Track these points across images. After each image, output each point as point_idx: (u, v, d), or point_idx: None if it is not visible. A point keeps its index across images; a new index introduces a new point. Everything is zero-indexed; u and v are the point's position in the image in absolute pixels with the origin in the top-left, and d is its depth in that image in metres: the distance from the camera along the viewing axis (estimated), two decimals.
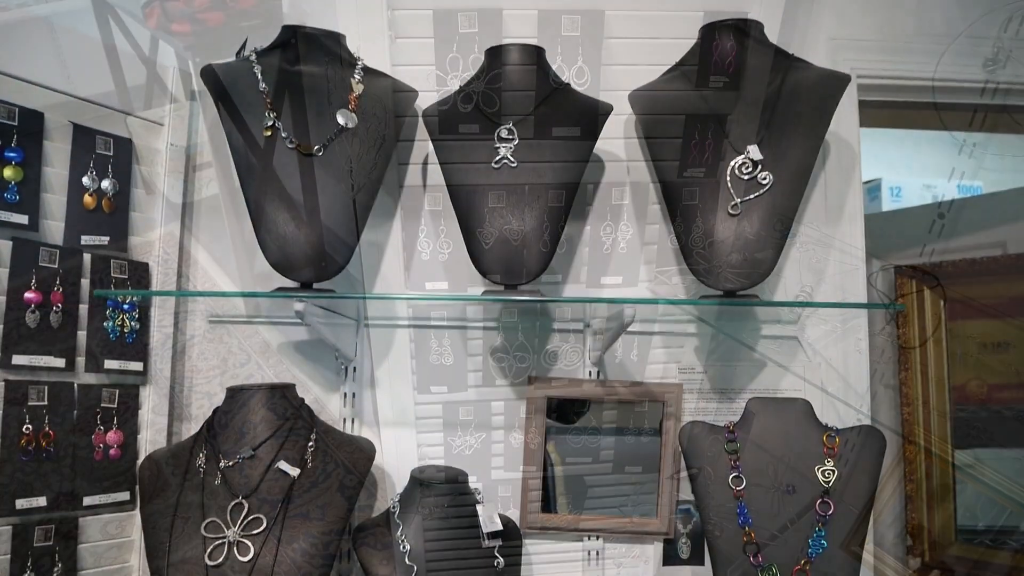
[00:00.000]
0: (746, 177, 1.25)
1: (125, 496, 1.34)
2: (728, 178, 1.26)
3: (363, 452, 1.32)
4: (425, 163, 1.50)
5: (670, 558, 1.47)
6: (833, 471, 1.31)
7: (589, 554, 1.45)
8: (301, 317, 1.17)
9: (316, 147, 1.27)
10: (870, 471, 1.32)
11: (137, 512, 1.32)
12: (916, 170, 3.79)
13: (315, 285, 1.24)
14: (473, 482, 1.36)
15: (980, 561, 2.16)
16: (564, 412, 1.47)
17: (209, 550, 1.17)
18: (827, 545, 1.28)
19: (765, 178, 1.24)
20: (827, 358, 1.51)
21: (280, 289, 1.26)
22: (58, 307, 1.26)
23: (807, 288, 1.46)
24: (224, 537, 1.18)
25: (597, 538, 1.45)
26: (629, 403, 1.47)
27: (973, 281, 2.16)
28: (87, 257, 1.31)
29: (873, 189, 3.45)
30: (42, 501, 1.23)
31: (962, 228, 2.15)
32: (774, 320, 1.50)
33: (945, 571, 2.24)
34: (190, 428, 1.41)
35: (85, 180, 1.31)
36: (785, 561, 1.28)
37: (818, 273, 1.53)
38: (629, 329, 1.34)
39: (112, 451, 1.32)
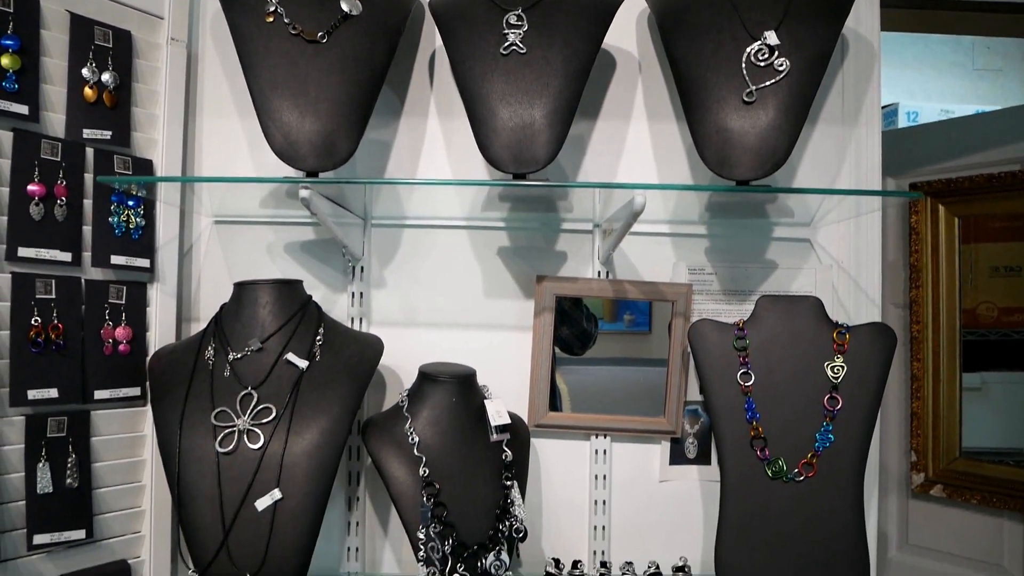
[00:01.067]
0: (762, 64, 1.21)
1: (136, 392, 1.34)
2: (744, 65, 1.22)
3: (371, 347, 1.32)
4: (432, 60, 1.46)
5: (677, 457, 1.48)
6: (843, 367, 1.31)
7: (596, 453, 1.45)
8: (307, 204, 1.16)
9: (319, 34, 1.23)
10: (880, 367, 1.31)
11: (148, 408, 1.33)
12: (933, 95, 3.71)
13: (321, 176, 1.22)
14: (481, 380, 1.36)
15: (983, 476, 2.18)
16: (569, 346, 1.46)
17: (220, 438, 1.18)
18: (834, 439, 1.29)
19: (782, 64, 1.20)
20: (839, 261, 1.49)
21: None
22: (62, 200, 1.24)
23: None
24: (234, 426, 1.19)
25: (604, 436, 1.45)
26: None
27: (988, 198, 2.12)
28: (90, 152, 1.29)
29: (890, 113, 3.39)
30: (54, 393, 1.24)
31: (979, 144, 2.10)
32: (787, 220, 1.47)
33: (948, 486, 2.27)
34: (199, 327, 1.41)
35: (85, 72, 1.28)
36: (792, 455, 1.29)
37: (832, 176, 1.50)
38: (638, 229, 1.33)
39: (121, 347, 1.32)
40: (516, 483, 1.28)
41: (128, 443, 1.34)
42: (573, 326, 1.46)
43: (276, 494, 1.16)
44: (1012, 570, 2.11)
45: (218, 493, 1.16)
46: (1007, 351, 2.29)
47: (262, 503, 1.16)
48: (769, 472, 1.28)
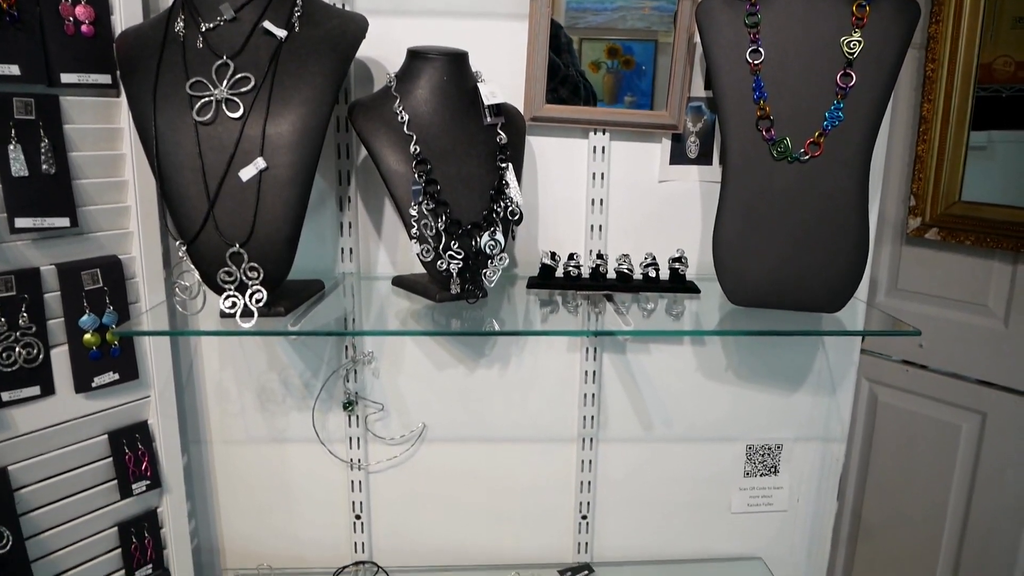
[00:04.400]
0: None
1: (106, 79, 1.26)
2: None
3: (354, 22, 1.22)
4: None
5: (677, 157, 1.43)
6: (859, 42, 1.22)
7: (595, 150, 1.40)
8: None
9: None
10: (899, 42, 1.22)
11: (123, 99, 1.25)
12: None
13: None
14: (474, 67, 1.28)
15: (980, 218, 2.16)
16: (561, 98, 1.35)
17: (196, 107, 1.12)
18: (844, 118, 1.23)
19: None
20: None
21: None
22: None
23: None
24: (211, 95, 1.12)
25: (604, 133, 1.39)
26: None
27: None
28: None
29: None
30: (15, 70, 1.15)
31: None
32: None
33: (943, 229, 2.26)
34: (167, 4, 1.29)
35: None
36: (798, 135, 1.24)
37: None
38: None
39: (84, 27, 1.22)
40: (511, 166, 1.24)
41: (105, 135, 1.27)
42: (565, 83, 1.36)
43: (260, 163, 1.11)
44: (995, 309, 2.14)
45: (200, 164, 1.12)
46: (1018, 108, 2.20)
47: (246, 173, 1.11)
48: (774, 153, 1.23)
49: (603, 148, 1.40)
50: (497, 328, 1.26)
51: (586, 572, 1.57)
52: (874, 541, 2.64)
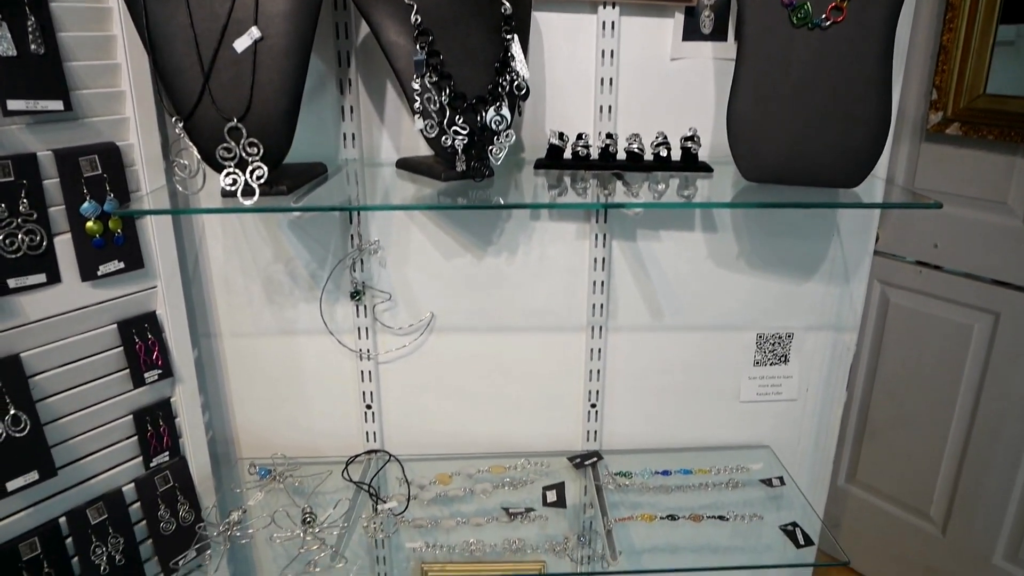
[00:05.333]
0: None
1: None
2: None
3: None
4: None
5: (690, 33, 1.37)
6: None
7: (604, 26, 1.34)
8: None
9: None
10: None
11: None
12: None
13: None
14: None
15: (1004, 112, 2.09)
16: None
17: None
18: None
19: None
20: None
21: None
22: None
23: None
24: None
25: (613, 7, 1.33)
26: None
27: None
28: None
29: None
30: None
31: None
32: None
33: (965, 123, 2.19)
34: None
35: None
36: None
37: None
38: None
39: None
40: (517, 38, 1.18)
41: (94, 15, 1.22)
42: None
43: (255, 32, 1.07)
44: (1015, 207, 2.09)
45: (192, 35, 1.07)
46: None
47: (241, 43, 1.07)
48: (793, 19, 1.17)
49: (612, 23, 1.34)
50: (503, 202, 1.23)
51: (595, 459, 1.59)
52: (879, 441, 2.67)
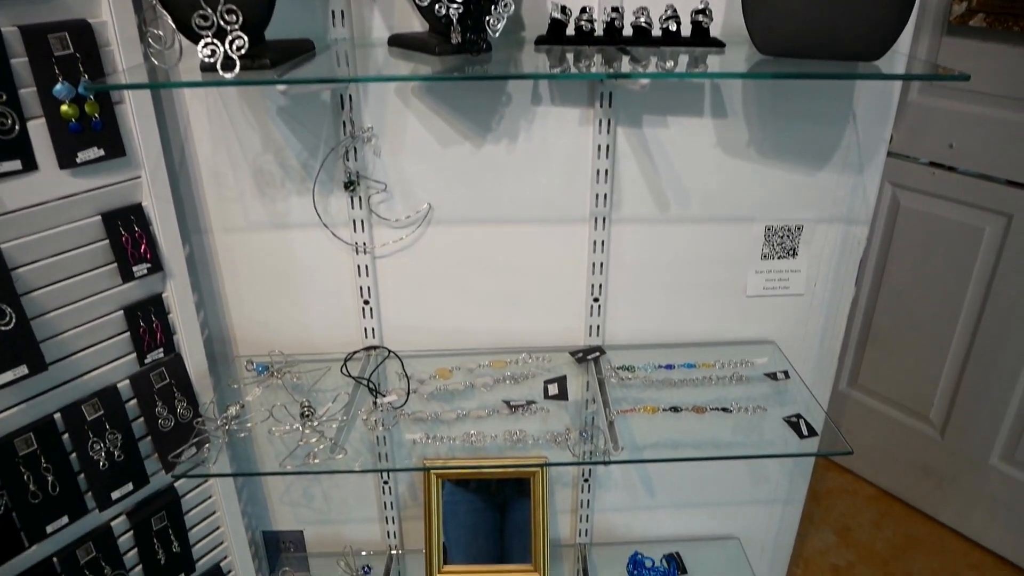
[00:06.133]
0: None
1: None
2: None
3: None
4: None
5: None
6: None
7: None
8: None
9: None
10: None
11: None
12: None
13: None
14: None
15: None
16: None
17: None
18: None
19: None
20: None
21: None
22: None
23: None
24: None
25: None
26: None
27: None
28: None
29: None
30: None
31: None
32: None
33: (991, 14, 2.09)
34: None
35: None
36: None
37: None
38: None
39: None
40: None
41: None
42: None
43: None
44: None
45: None
46: None
47: None
48: None
49: None
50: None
51: (597, 354, 1.56)
52: (883, 345, 2.65)
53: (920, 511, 2.70)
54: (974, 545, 2.56)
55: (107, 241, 1.29)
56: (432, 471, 1.61)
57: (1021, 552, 2.46)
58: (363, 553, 1.82)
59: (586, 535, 1.82)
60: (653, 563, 1.77)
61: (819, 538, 2.60)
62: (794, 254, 1.55)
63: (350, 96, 1.36)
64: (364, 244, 1.49)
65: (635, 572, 1.74)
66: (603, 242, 1.50)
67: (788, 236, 1.53)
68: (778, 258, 1.55)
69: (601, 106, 1.37)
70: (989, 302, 2.33)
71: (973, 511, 2.55)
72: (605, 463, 1.33)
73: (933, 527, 2.64)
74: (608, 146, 1.41)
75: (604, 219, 1.48)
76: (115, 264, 1.31)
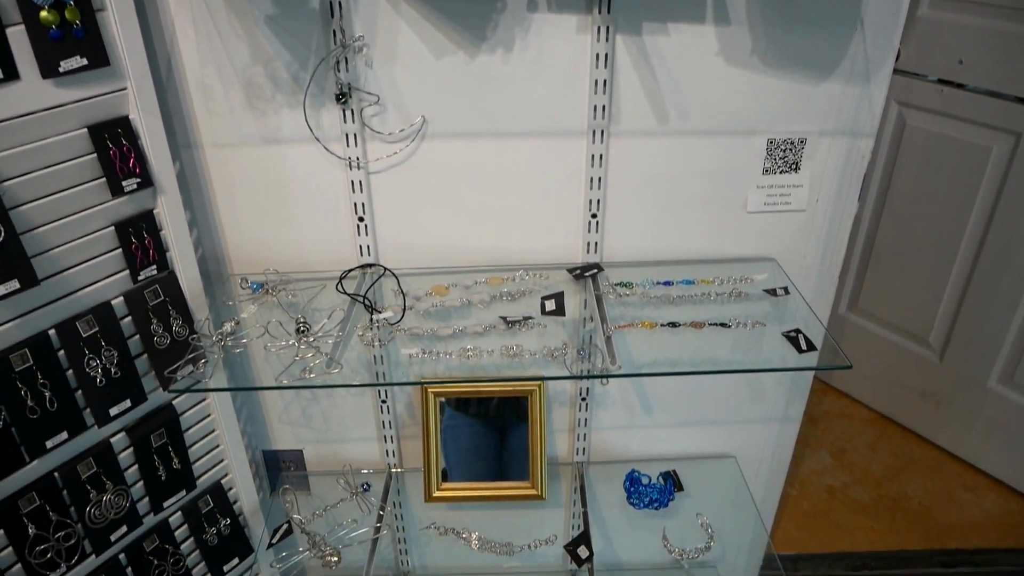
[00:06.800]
0: None
1: None
2: None
3: None
4: None
5: None
6: None
7: None
8: None
9: None
10: None
11: None
12: None
13: None
14: None
15: None
16: None
17: None
18: None
19: None
20: None
21: None
22: None
23: None
24: None
25: None
26: None
27: None
28: None
29: None
30: None
31: None
32: None
33: None
34: None
35: None
36: None
37: None
38: None
39: None
40: None
41: None
42: None
43: None
44: None
45: None
46: None
47: None
48: None
49: None
50: None
51: (595, 271, 1.55)
52: (884, 268, 2.63)
53: (916, 434, 2.74)
54: (968, 467, 2.60)
55: (95, 155, 1.27)
56: (429, 388, 1.61)
57: (1015, 473, 2.49)
58: (363, 471, 1.85)
59: (584, 454, 1.84)
60: (650, 480, 1.79)
61: (815, 460, 2.64)
62: (796, 168, 1.52)
63: (340, 3, 1.31)
64: (358, 159, 1.46)
65: (632, 489, 1.77)
66: (601, 156, 1.47)
67: (791, 150, 1.50)
68: (780, 173, 1.52)
69: (599, 12, 1.33)
70: (993, 224, 2.31)
71: (969, 433, 2.57)
72: (602, 377, 1.33)
73: (928, 449, 2.68)
74: (607, 55, 1.36)
75: (602, 132, 1.44)
76: (104, 179, 1.29)
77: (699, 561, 1.65)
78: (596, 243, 1.56)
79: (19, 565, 1.30)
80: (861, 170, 1.55)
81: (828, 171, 1.53)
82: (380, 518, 1.67)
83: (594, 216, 1.53)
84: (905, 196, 2.51)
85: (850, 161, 1.53)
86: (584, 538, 1.59)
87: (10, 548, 1.28)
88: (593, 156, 1.47)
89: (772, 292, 1.52)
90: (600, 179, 1.49)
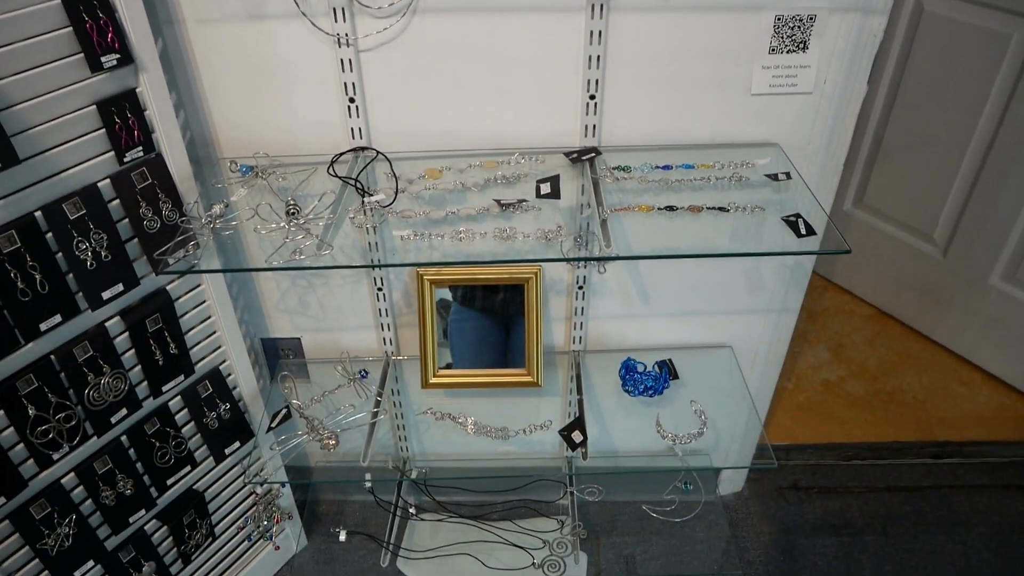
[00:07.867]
0: None
1: None
2: None
3: None
4: None
5: None
6: None
7: None
8: None
9: None
10: None
11: None
12: None
13: None
14: None
15: None
16: None
17: None
18: None
19: None
20: None
21: None
22: None
23: None
24: None
25: None
26: None
27: None
28: None
29: None
30: None
31: None
32: None
33: None
34: None
35: None
36: None
37: None
38: None
39: None
40: None
41: None
42: None
43: None
44: None
45: None
46: None
47: None
48: None
49: None
50: None
51: (593, 155, 1.51)
52: (892, 163, 2.58)
53: (915, 330, 2.74)
54: (965, 362, 2.62)
55: (70, 28, 1.22)
56: (424, 275, 1.60)
57: (1010, 369, 2.51)
58: (364, 360, 1.86)
59: (581, 343, 1.84)
60: (645, 367, 1.80)
61: (812, 354, 2.66)
62: (804, 47, 1.45)
63: None
64: (347, 35, 1.40)
65: (627, 376, 1.78)
66: (600, 32, 1.40)
67: (799, 27, 1.43)
68: (787, 52, 1.46)
69: None
70: (1007, 117, 2.24)
71: (968, 329, 2.58)
72: (598, 259, 1.31)
73: (926, 344, 2.69)
74: None
75: (601, 7, 1.37)
76: (81, 54, 1.24)
77: (692, 447, 1.67)
78: (594, 126, 1.51)
79: (22, 445, 1.33)
80: (872, 50, 1.48)
81: (838, 51, 1.46)
82: (378, 403, 1.69)
83: (592, 97, 1.48)
84: (918, 86, 2.43)
85: (861, 40, 1.46)
86: (579, 423, 1.62)
87: (12, 428, 1.30)
88: (592, 32, 1.40)
89: (774, 177, 1.48)
90: (599, 57, 1.43)
